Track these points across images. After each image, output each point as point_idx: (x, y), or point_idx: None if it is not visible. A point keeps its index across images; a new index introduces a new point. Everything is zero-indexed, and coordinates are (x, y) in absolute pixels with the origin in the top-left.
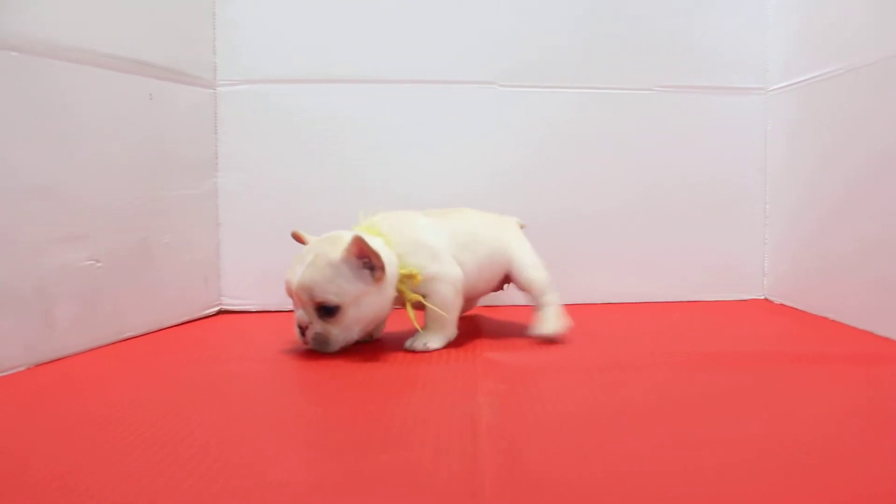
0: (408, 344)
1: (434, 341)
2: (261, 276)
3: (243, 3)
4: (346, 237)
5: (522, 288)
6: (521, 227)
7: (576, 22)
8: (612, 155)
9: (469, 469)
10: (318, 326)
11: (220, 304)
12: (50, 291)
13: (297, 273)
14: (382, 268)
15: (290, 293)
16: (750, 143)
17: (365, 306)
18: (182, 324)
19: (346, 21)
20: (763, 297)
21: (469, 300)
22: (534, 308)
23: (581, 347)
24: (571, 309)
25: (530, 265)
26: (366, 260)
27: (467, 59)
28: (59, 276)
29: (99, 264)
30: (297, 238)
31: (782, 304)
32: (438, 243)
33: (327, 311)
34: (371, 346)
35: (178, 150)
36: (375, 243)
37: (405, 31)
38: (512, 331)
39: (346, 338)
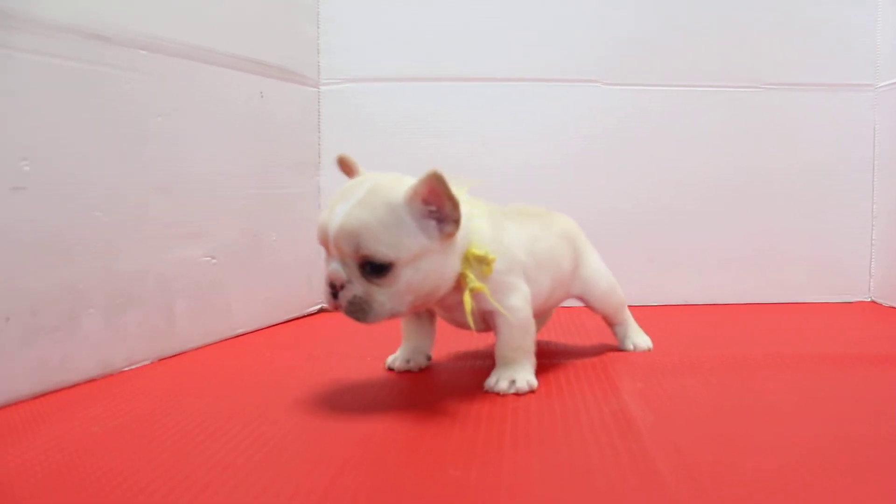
0: (488, 384)
1: (521, 378)
2: None
3: (345, 2)
4: (411, 179)
5: (597, 309)
6: None
7: (680, 19)
8: (715, 152)
9: (643, 466)
10: (358, 288)
11: (321, 302)
12: (171, 287)
13: (339, 213)
14: (457, 220)
15: (323, 240)
16: (857, 140)
17: (425, 270)
18: (287, 321)
19: (446, 19)
20: (870, 300)
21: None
22: (610, 323)
23: (699, 347)
24: (675, 310)
25: (605, 283)
26: (434, 208)
27: (569, 57)
28: (179, 273)
29: (214, 261)
30: (345, 165)
31: (892, 307)
32: (518, 255)
33: (375, 268)
34: (470, 342)
35: (284, 149)
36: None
37: (505, 29)
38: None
39: (392, 308)
